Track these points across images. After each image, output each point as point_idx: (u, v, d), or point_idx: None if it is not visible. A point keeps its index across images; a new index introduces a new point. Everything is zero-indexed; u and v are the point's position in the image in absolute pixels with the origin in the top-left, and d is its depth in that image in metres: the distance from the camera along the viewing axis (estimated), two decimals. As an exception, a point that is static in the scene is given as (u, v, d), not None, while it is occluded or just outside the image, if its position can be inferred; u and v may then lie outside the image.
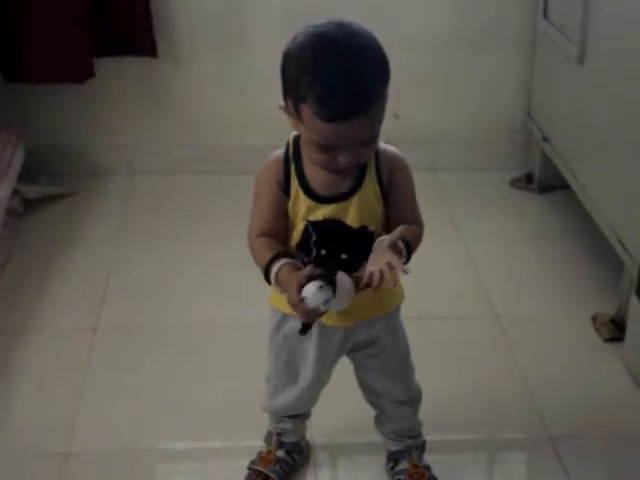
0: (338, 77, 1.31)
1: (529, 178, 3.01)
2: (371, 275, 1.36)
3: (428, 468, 1.77)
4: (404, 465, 1.76)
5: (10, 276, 2.47)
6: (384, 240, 1.38)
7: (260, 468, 1.77)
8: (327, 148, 1.36)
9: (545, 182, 2.95)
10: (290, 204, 1.48)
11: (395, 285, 1.36)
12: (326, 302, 1.37)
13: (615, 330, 2.21)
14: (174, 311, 2.34)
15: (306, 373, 1.63)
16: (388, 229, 1.48)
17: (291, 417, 1.75)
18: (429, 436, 1.79)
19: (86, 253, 2.60)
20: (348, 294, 1.42)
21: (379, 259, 1.36)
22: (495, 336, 2.23)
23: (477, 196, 2.94)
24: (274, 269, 1.43)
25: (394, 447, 1.77)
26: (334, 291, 1.38)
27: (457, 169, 3.06)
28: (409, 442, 1.76)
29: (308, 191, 1.46)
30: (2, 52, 2.72)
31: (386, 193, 1.48)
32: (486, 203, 2.90)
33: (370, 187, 1.47)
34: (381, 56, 1.36)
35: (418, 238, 1.50)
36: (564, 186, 2.75)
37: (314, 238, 1.47)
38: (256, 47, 2.94)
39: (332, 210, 1.46)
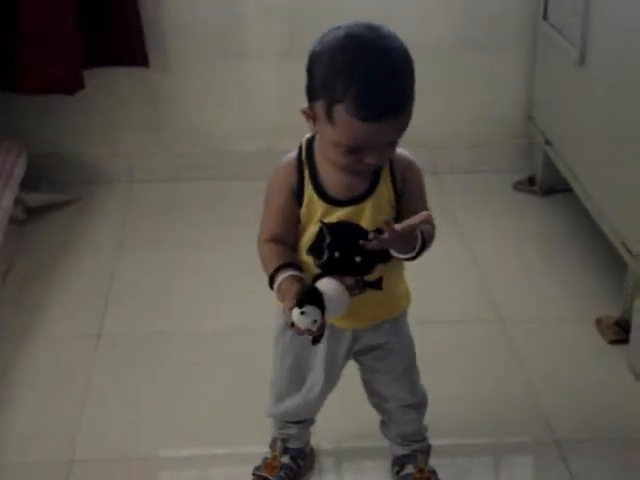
0: (376, 77, 1.32)
1: (531, 181, 3.00)
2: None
3: (434, 472, 1.76)
4: (410, 470, 1.75)
5: (13, 283, 2.47)
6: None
7: (265, 474, 1.76)
8: (354, 149, 1.37)
9: (547, 185, 2.94)
10: (304, 209, 1.47)
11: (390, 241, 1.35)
12: (315, 322, 1.36)
13: (620, 332, 2.20)
14: (177, 318, 2.33)
15: (316, 379, 1.62)
16: None
17: (296, 423, 1.74)
18: (434, 440, 1.78)
19: (88, 260, 2.59)
20: (339, 303, 1.42)
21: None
22: (499, 339, 2.23)
23: (479, 199, 2.94)
24: (277, 280, 1.43)
25: (400, 452, 1.77)
26: (323, 308, 1.37)
27: (459, 172, 3.05)
28: (415, 446, 1.75)
29: (323, 195, 1.46)
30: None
31: (399, 196, 1.48)
32: (489, 206, 2.89)
33: (384, 190, 1.47)
34: (409, 58, 1.37)
35: (431, 237, 1.50)
36: (567, 189, 2.75)
37: (328, 240, 1.47)
38: (253, 54, 2.94)
39: (347, 213, 1.46)
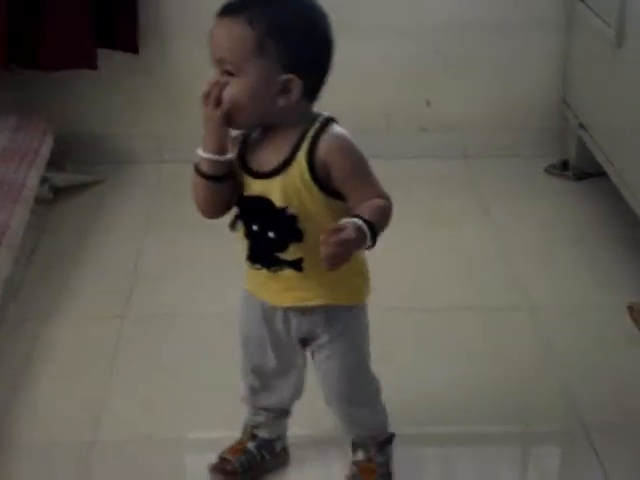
0: None
1: (564, 165, 2.96)
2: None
3: (382, 464, 1.69)
4: (359, 457, 1.70)
5: (38, 263, 2.46)
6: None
7: (226, 455, 1.74)
8: (213, 61, 1.50)
9: (581, 169, 2.90)
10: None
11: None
12: None
13: (653, 320, 2.16)
14: (203, 298, 2.32)
15: (260, 358, 1.65)
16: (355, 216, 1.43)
17: (264, 410, 1.72)
18: (464, 427, 1.75)
19: (114, 241, 2.59)
20: None
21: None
22: (530, 326, 2.20)
23: (511, 183, 2.90)
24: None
25: (353, 436, 1.72)
26: None
27: (491, 156, 3.00)
28: (367, 434, 1.69)
29: (244, 163, 1.48)
30: (17, 42, 2.73)
31: (321, 180, 1.43)
32: (521, 191, 2.85)
33: (296, 170, 1.43)
34: (291, 15, 1.44)
35: (384, 213, 1.43)
36: (600, 173, 2.71)
37: (243, 214, 1.50)
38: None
39: (261, 187, 1.46)
